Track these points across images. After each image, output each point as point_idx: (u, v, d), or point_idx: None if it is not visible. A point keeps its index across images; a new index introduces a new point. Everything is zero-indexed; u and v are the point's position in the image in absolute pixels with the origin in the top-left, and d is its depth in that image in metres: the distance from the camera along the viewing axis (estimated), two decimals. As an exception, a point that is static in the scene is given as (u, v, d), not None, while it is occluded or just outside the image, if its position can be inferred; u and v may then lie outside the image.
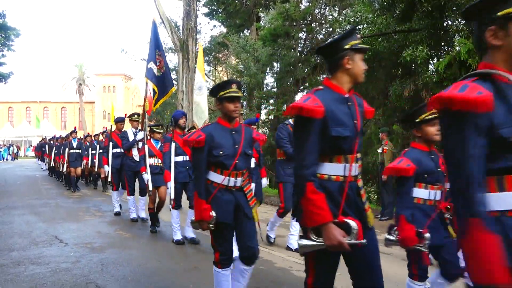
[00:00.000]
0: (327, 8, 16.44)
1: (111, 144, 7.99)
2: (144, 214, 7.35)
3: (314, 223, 1.94)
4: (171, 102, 22.70)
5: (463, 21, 8.74)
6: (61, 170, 13.24)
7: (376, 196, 12.20)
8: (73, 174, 11.91)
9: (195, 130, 7.69)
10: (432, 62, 9.79)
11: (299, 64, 15.37)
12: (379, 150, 8.58)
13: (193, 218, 2.97)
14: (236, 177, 3.00)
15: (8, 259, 4.84)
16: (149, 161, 6.14)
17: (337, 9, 16.12)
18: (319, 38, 16.31)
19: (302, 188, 1.95)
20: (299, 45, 16.71)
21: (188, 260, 4.94)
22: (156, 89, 6.35)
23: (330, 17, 15.73)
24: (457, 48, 7.83)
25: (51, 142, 17.25)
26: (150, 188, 6.05)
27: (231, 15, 19.42)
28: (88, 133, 14.81)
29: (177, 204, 5.56)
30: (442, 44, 9.73)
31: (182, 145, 5.43)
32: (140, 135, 6.81)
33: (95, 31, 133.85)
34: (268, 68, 16.88)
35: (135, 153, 7.05)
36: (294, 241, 5.31)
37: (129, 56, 44.30)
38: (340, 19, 12.62)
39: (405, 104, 10.01)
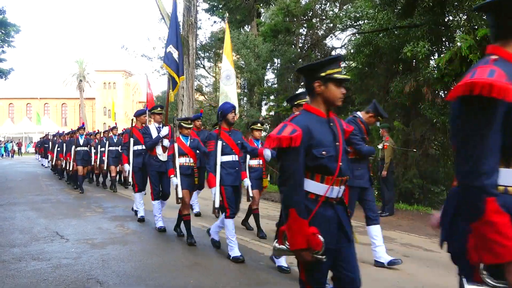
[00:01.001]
0: (328, 3, 16.40)
1: (132, 140, 7.10)
2: (161, 223, 6.33)
3: (499, 259, 1.32)
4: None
5: (465, 17, 8.72)
6: (64, 167, 12.67)
7: (376, 192, 12.21)
8: (80, 173, 11.13)
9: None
10: (433, 58, 9.77)
11: (300, 60, 15.37)
12: (380, 146, 8.58)
13: (280, 245, 2.18)
14: (340, 185, 2.23)
15: (9, 255, 4.85)
16: (179, 161, 5.42)
17: (338, 5, 16.07)
18: (320, 34, 16.28)
19: (478, 205, 1.34)
20: (300, 41, 16.69)
21: (189, 256, 4.95)
22: (176, 76, 5.91)
23: (331, 12, 15.70)
24: (458, 43, 7.80)
25: (55, 138, 16.75)
26: (180, 194, 5.33)
27: (231, 10, 19.37)
28: (98, 129, 14.01)
29: (232, 212, 4.72)
30: (443, 39, 9.71)
31: (230, 143, 4.78)
32: (165, 131, 6.12)
33: (95, 27, 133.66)
34: (268, 64, 16.88)
35: (159, 151, 6.21)
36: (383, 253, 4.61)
37: (129, 53, 44.06)
38: (341, 14, 12.58)
39: (406, 100, 10.00)
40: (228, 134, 4.83)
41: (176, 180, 5.34)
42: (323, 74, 2.19)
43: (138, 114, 7.40)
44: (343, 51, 15.69)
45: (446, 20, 9.29)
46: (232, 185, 4.76)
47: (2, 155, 34.09)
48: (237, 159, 4.84)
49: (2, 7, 20.47)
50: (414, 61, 9.73)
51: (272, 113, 17.48)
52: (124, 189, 11.49)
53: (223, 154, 4.70)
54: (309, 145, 2.11)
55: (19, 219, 7.11)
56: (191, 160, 5.58)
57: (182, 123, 5.65)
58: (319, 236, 2.04)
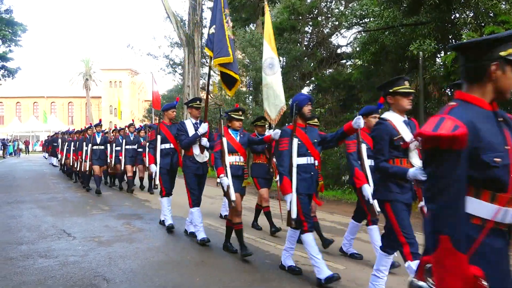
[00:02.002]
0: (333, 1, 16.35)
1: (159, 138, 6.28)
2: (203, 234, 5.44)
3: None
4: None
5: (471, 14, 8.66)
6: (77, 167, 11.82)
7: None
8: (96, 172, 10.52)
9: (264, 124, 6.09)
10: (439, 56, 9.71)
11: (305, 58, 15.32)
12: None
13: (419, 281, 1.61)
14: None
15: (17, 252, 4.91)
16: (228, 159, 4.68)
17: (343, 2, 16.01)
18: (325, 32, 16.24)
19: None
20: (305, 39, 16.65)
21: (195, 254, 4.97)
22: (230, 72, 5.36)
23: (336, 10, 15.65)
24: (465, 41, 7.76)
25: (64, 136, 16.21)
26: (233, 197, 4.53)
27: (237, 9, 19.36)
28: (115, 126, 12.82)
29: (310, 225, 4.00)
30: (450, 37, 9.64)
31: (306, 142, 4.06)
32: (203, 128, 5.39)
33: (102, 26, 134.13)
34: (274, 63, 16.82)
35: (196, 151, 5.44)
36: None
37: (135, 51, 44.27)
38: (347, 12, 12.53)
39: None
40: (304, 131, 4.11)
41: (227, 181, 4.57)
42: (503, 53, 1.58)
43: (167, 108, 6.50)
44: (348, 49, 15.66)
45: (452, 17, 9.23)
46: (308, 194, 4.06)
47: (11, 153, 34.43)
48: (313, 161, 4.09)
49: (9, 6, 20.67)
50: (420, 59, 9.67)
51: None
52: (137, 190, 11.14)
53: (298, 155, 4.01)
54: (474, 148, 1.52)
55: (26, 217, 7.17)
56: (241, 159, 4.84)
57: (232, 115, 4.89)
58: (484, 283, 1.42)
